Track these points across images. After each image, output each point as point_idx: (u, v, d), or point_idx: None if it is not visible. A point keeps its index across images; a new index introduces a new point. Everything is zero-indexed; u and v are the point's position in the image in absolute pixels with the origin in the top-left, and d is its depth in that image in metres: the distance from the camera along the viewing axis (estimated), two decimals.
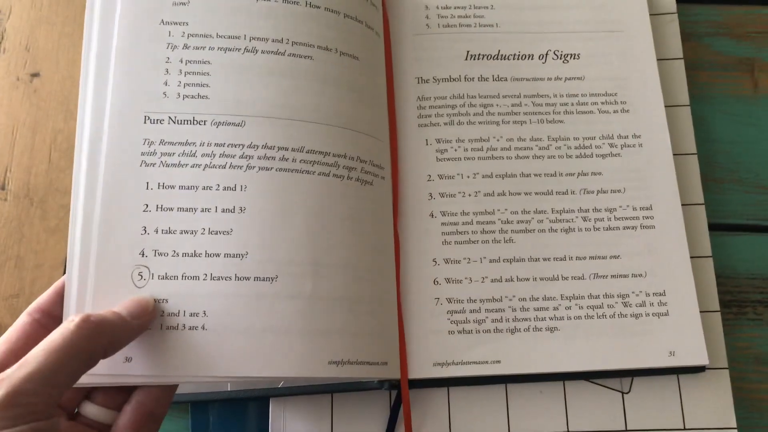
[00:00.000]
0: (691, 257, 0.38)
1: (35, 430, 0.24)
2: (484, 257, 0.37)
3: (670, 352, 0.36)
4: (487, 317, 0.36)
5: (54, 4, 0.46)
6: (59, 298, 0.31)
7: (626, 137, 0.39)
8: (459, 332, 0.36)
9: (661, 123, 0.39)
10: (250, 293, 0.32)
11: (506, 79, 0.40)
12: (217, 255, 0.32)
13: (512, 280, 0.36)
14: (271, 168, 0.33)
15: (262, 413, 0.37)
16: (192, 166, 0.33)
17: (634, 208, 0.38)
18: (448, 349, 0.36)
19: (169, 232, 0.32)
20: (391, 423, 0.36)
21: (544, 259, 0.37)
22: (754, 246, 0.41)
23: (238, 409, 0.37)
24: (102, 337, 0.27)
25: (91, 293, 0.31)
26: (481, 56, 0.40)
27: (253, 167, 0.33)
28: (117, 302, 0.30)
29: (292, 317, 0.32)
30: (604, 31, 0.41)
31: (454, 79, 0.39)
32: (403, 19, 0.40)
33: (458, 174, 0.38)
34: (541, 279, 0.37)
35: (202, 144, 0.33)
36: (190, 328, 0.31)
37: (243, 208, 0.32)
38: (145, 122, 0.33)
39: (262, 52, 0.34)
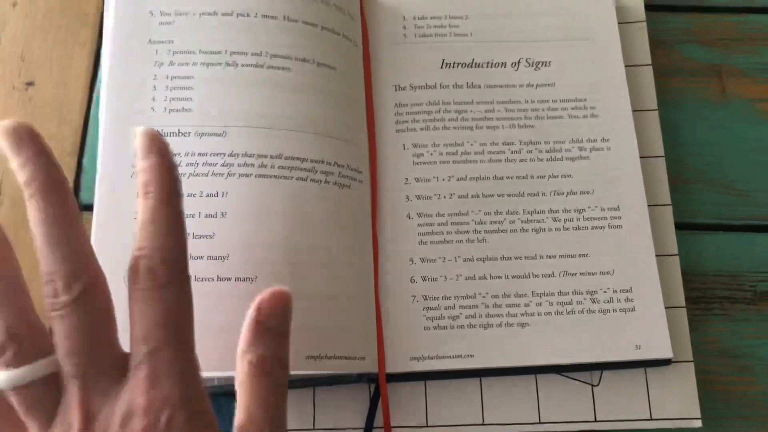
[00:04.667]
0: (658, 255, 0.39)
1: None
2: (459, 256, 0.38)
3: (637, 346, 0.37)
4: (461, 313, 0.38)
5: (48, 14, 0.48)
6: None
7: (595, 141, 0.41)
8: (434, 328, 0.37)
9: (629, 127, 0.41)
10: (231, 293, 0.34)
11: (480, 86, 0.41)
12: (201, 257, 0.34)
13: (485, 278, 0.38)
14: (251, 175, 0.35)
15: None
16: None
17: (602, 209, 0.39)
18: (424, 344, 0.37)
19: None
20: (370, 415, 0.37)
21: (516, 258, 0.38)
22: (722, 244, 0.43)
23: (224, 403, 0.39)
24: None
25: None
26: (456, 64, 0.42)
27: (234, 174, 0.35)
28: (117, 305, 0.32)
29: None
30: (574, 39, 0.42)
31: (430, 87, 0.41)
32: (382, 29, 0.42)
33: (434, 177, 0.40)
34: (513, 277, 0.38)
35: (186, 154, 0.35)
36: None
37: (224, 213, 0.34)
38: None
39: (242, 65, 0.36)
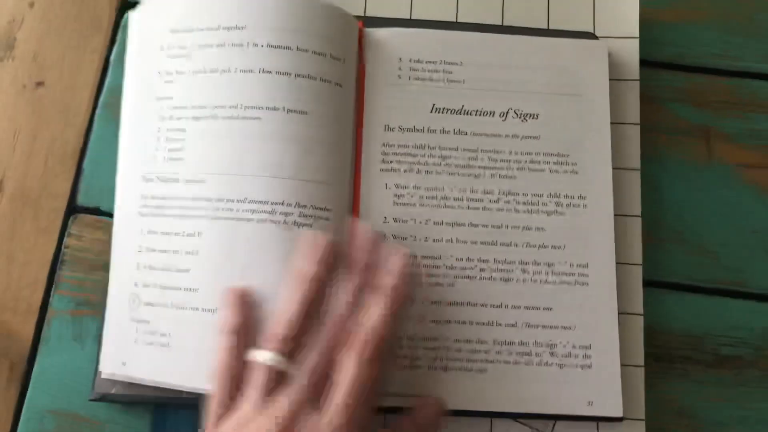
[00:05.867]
0: (622, 313, 0.41)
1: None
2: (427, 299, 0.40)
3: (589, 402, 0.39)
4: (423, 354, 0.39)
5: (63, 17, 0.49)
6: None
7: (572, 197, 0.42)
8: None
9: (607, 186, 0.42)
10: (198, 321, 0.38)
11: (466, 134, 0.42)
12: (179, 288, 0.38)
13: (450, 322, 0.39)
14: (219, 218, 0.38)
15: None
16: (170, 216, 0.39)
17: (571, 265, 0.41)
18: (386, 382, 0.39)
19: (152, 268, 0.39)
20: None
21: (482, 305, 0.40)
22: (689, 305, 0.44)
23: (195, 412, 0.41)
24: None
25: (107, 313, 0.40)
26: (445, 110, 0.43)
27: (207, 217, 0.38)
28: (122, 321, 0.39)
29: None
30: (564, 94, 0.43)
31: (418, 130, 0.42)
32: (379, 69, 0.43)
33: (411, 219, 0.41)
34: (477, 323, 0.40)
35: (175, 198, 0.39)
36: (160, 345, 0.38)
37: (197, 251, 0.38)
38: (142, 181, 0.41)
39: (222, 117, 0.39)
